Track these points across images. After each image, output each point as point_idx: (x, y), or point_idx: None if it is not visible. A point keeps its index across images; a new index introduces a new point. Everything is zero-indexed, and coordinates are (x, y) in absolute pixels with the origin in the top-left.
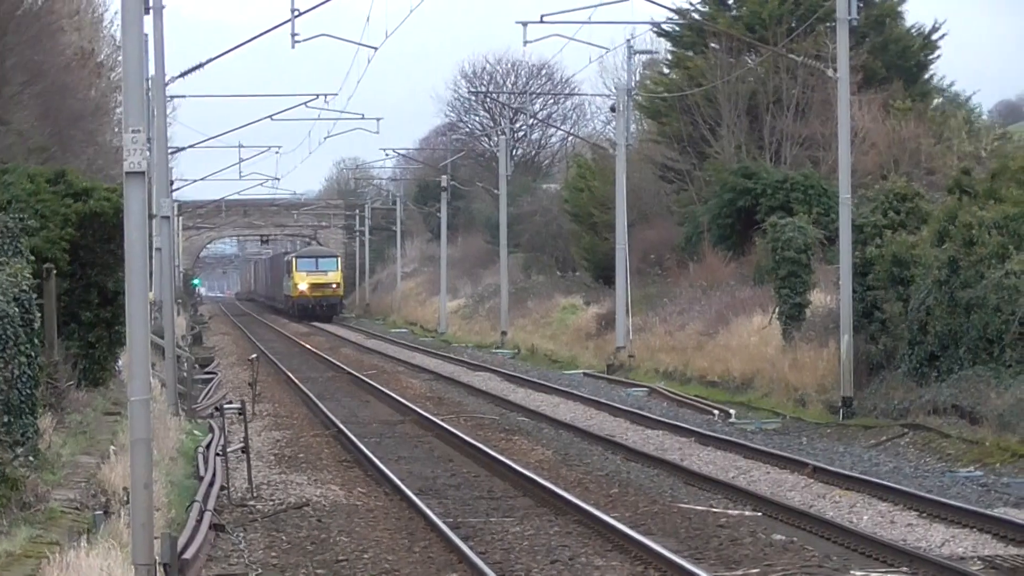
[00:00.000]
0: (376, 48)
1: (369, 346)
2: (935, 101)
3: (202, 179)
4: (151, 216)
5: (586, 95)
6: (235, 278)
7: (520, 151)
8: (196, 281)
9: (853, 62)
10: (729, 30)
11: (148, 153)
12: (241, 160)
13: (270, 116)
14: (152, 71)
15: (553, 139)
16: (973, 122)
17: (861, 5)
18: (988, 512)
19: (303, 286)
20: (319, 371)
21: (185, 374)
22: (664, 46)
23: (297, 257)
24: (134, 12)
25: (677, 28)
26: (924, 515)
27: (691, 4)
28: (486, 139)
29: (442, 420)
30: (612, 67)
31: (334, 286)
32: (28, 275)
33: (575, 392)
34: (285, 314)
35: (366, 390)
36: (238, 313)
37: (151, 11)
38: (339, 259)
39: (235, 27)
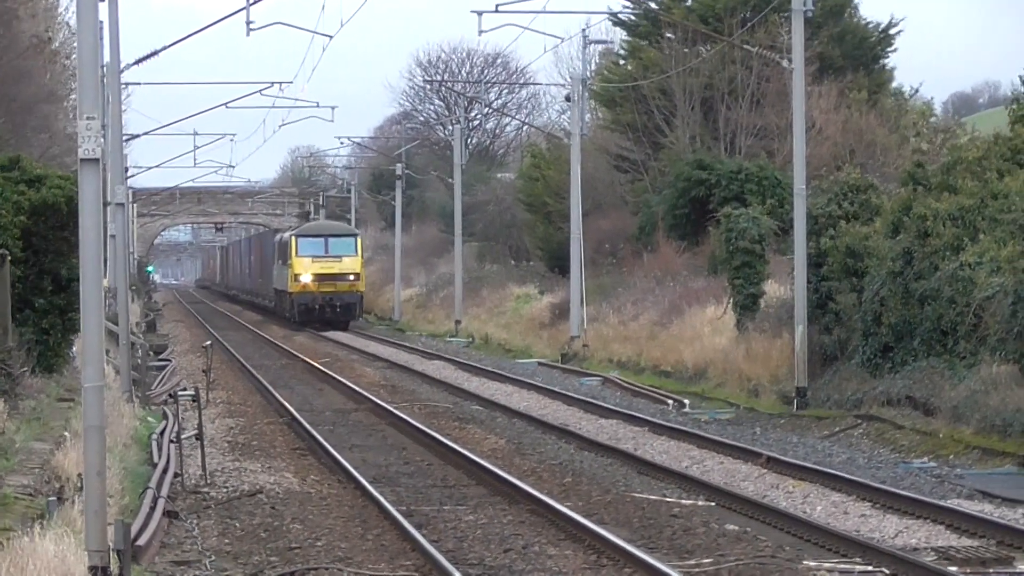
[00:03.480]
0: (331, 36)
1: (323, 334)
2: (889, 93)
3: (157, 166)
4: (105, 203)
5: (541, 84)
6: (189, 265)
7: (475, 140)
8: (150, 268)
9: (808, 53)
10: (684, 20)
11: (102, 140)
12: (196, 148)
13: (225, 104)
14: (107, 58)
15: (508, 128)
16: (926, 115)
17: None
18: (941, 503)
19: (306, 277)
20: (273, 359)
21: (139, 361)
22: (619, 36)
23: (299, 236)
24: None
25: (632, 18)
26: (877, 506)
27: None
28: (441, 128)
29: (396, 408)
30: (567, 57)
31: (352, 278)
32: None
33: (529, 381)
34: (275, 316)
35: (320, 378)
36: (194, 301)
37: None
38: (359, 239)
39: (201, 13)
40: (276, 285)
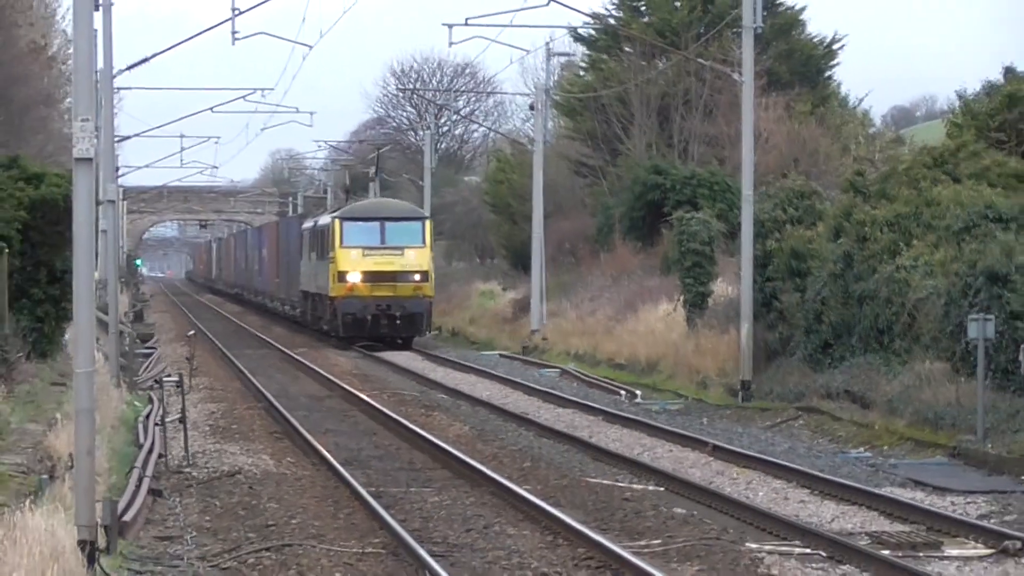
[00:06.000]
0: (311, 46)
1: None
2: (833, 105)
3: (146, 166)
4: (98, 200)
5: (507, 94)
6: (175, 259)
7: (444, 145)
8: (138, 262)
9: (758, 67)
10: (641, 35)
11: (96, 141)
12: (182, 149)
13: (210, 108)
14: (101, 64)
15: (475, 135)
16: (867, 126)
17: (766, 14)
18: (876, 491)
19: (354, 276)
20: (253, 347)
21: (127, 348)
22: (580, 49)
23: (344, 219)
24: (85, 8)
25: (592, 33)
26: (816, 492)
27: (606, 10)
28: (412, 133)
29: (367, 396)
30: (532, 68)
31: (417, 277)
32: None
33: (492, 372)
34: (303, 326)
35: (296, 366)
36: (179, 292)
37: (100, 7)
38: (427, 224)
39: (193, 22)
40: (307, 287)
